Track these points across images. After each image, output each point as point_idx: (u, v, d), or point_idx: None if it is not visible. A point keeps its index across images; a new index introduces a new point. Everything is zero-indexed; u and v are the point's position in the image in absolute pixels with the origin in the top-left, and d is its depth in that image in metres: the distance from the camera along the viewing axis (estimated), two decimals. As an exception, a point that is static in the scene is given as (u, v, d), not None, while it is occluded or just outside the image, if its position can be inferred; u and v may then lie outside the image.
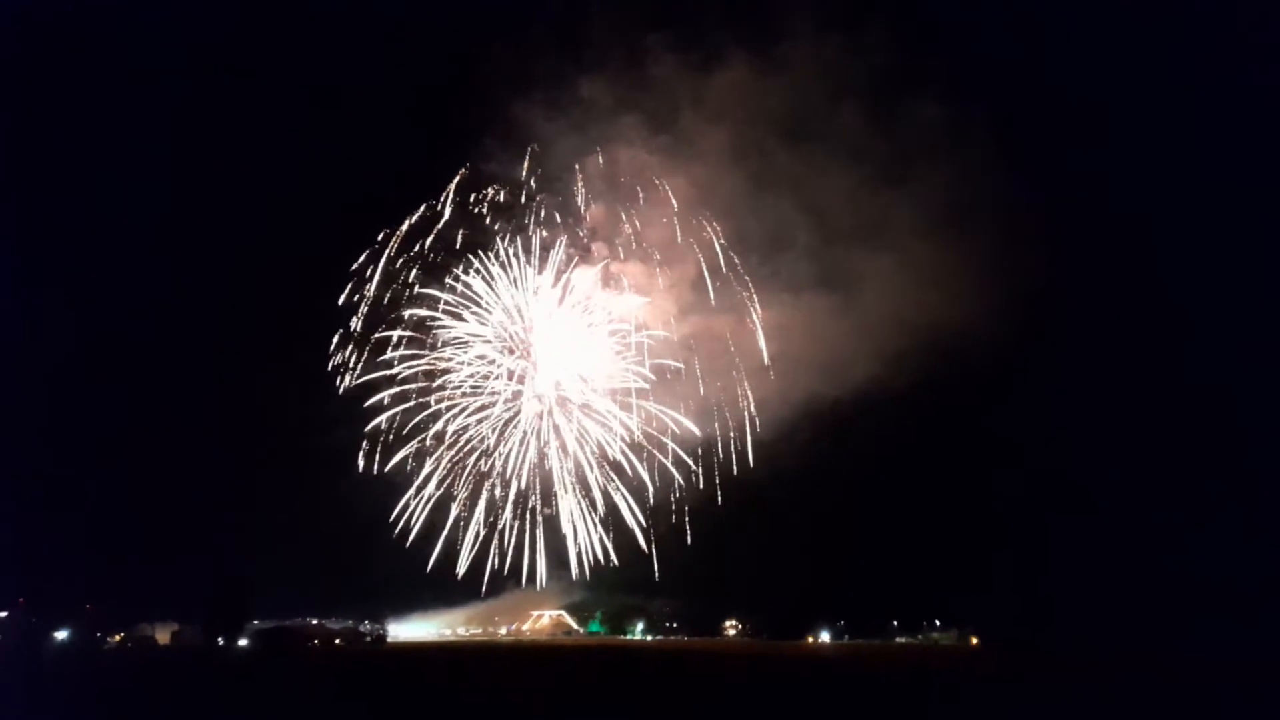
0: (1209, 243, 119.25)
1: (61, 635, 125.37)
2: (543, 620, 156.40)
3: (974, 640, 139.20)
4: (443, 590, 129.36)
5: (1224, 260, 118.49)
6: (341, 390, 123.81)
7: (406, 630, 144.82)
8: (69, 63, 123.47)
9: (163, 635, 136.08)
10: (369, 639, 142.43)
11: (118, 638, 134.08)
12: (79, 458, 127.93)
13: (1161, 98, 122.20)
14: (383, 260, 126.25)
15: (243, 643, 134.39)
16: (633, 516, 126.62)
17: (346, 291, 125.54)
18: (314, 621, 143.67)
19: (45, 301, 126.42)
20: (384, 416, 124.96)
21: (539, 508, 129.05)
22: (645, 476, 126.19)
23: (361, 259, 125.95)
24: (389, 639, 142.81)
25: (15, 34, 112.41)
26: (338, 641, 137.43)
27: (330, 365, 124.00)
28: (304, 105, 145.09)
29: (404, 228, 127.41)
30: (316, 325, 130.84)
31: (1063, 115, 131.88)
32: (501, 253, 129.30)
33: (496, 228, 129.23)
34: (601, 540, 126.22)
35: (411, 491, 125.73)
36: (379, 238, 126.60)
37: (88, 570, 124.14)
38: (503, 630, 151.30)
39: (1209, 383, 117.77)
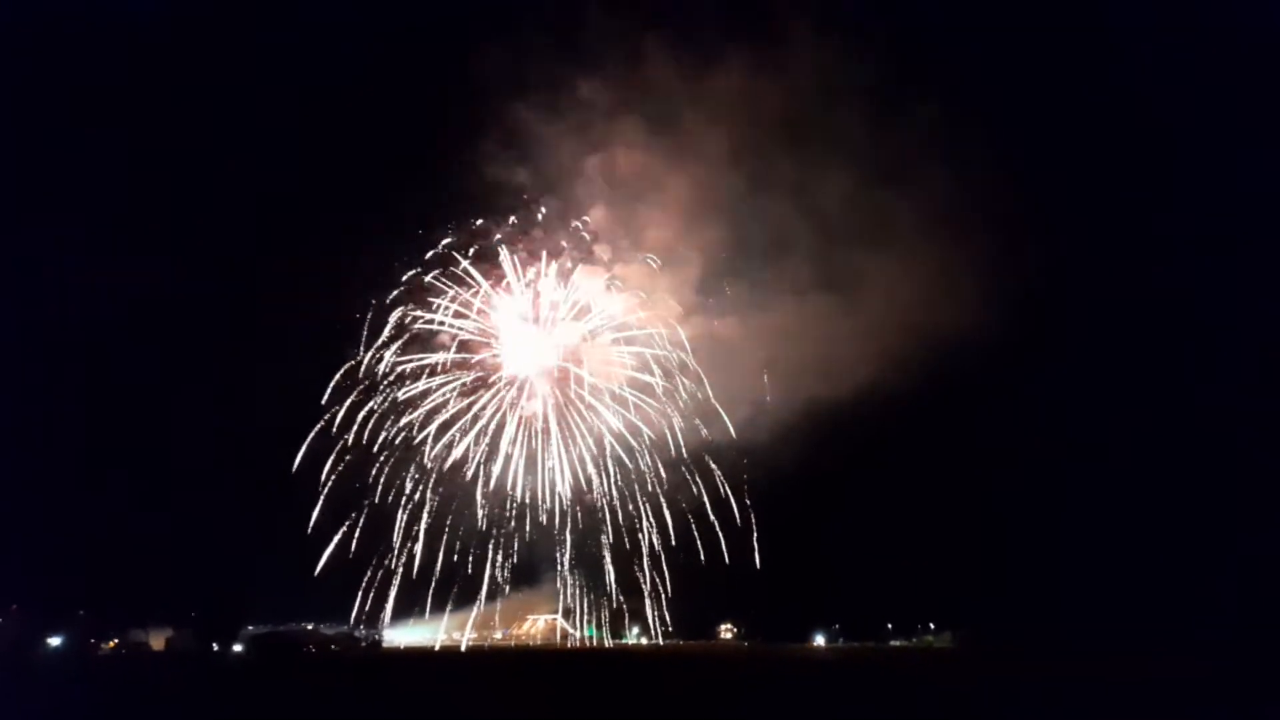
0: (1210, 244, 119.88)
1: (55, 641, 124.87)
2: (538, 624, 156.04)
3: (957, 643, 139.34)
4: (438, 595, 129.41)
5: (1225, 262, 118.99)
6: (342, 407, 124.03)
7: (402, 635, 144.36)
8: (71, 66, 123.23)
9: (157, 641, 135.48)
10: (364, 644, 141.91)
11: (111, 644, 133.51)
12: (73, 463, 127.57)
13: (1162, 101, 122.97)
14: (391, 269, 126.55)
15: (237, 648, 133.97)
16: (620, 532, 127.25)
17: (346, 300, 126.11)
18: (309, 627, 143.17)
19: (39, 310, 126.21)
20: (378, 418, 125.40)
21: (538, 513, 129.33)
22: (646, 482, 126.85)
23: (365, 275, 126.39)
24: (384, 644, 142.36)
25: (11, 35, 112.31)
26: (333, 647, 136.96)
27: (332, 383, 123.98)
28: (301, 111, 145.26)
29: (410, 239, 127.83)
30: (315, 331, 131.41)
31: (1062, 117, 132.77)
32: (504, 258, 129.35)
33: (498, 236, 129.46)
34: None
35: (408, 499, 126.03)
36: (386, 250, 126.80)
37: (81, 576, 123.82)
38: (498, 634, 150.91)
39: (1211, 387, 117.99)
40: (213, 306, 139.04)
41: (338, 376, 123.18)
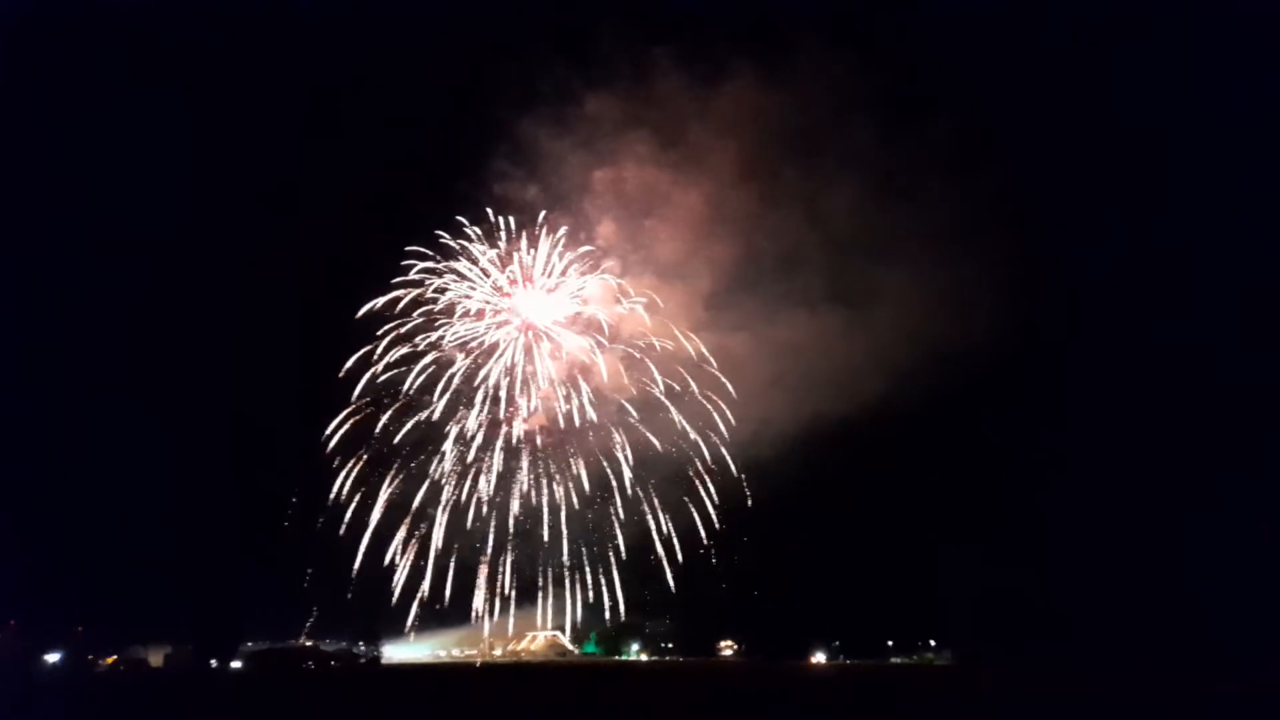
0: (1222, 256, 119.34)
1: (53, 658, 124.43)
2: (538, 641, 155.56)
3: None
4: (437, 611, 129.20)
5: (1239, 274, 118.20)
6: (344, 420, 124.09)
7: (401, 652, 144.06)
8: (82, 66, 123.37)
9: (155, 657, 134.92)
10: (363, 660, 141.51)
11: (110, 660, 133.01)
12: (71, 479, 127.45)
13: (1173, 110, 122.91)
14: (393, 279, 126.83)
15: (236, 665, 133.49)
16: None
17: (350, 313, 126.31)
18: (308, 643, 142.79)
19: (37, 324, 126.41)
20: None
21: (535, 530, 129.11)
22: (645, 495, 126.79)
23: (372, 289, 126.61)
24: (383, 660, 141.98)
25: (15, 34, 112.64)
26: (333, 663, 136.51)
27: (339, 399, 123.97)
28: (307, 128, 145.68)
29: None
30: (316, 341, 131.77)
31: (1073, 130, 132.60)
32: (513, 270, 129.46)
33: (506, 249, 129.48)
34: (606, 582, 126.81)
35: (409, 516, 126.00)
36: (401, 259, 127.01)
37: (79, 593, 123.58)
38: (497, 651, 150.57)
39: (1222, 403, 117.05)
40: (215, 316, 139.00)
41: (350, 417, 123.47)
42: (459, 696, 75.96)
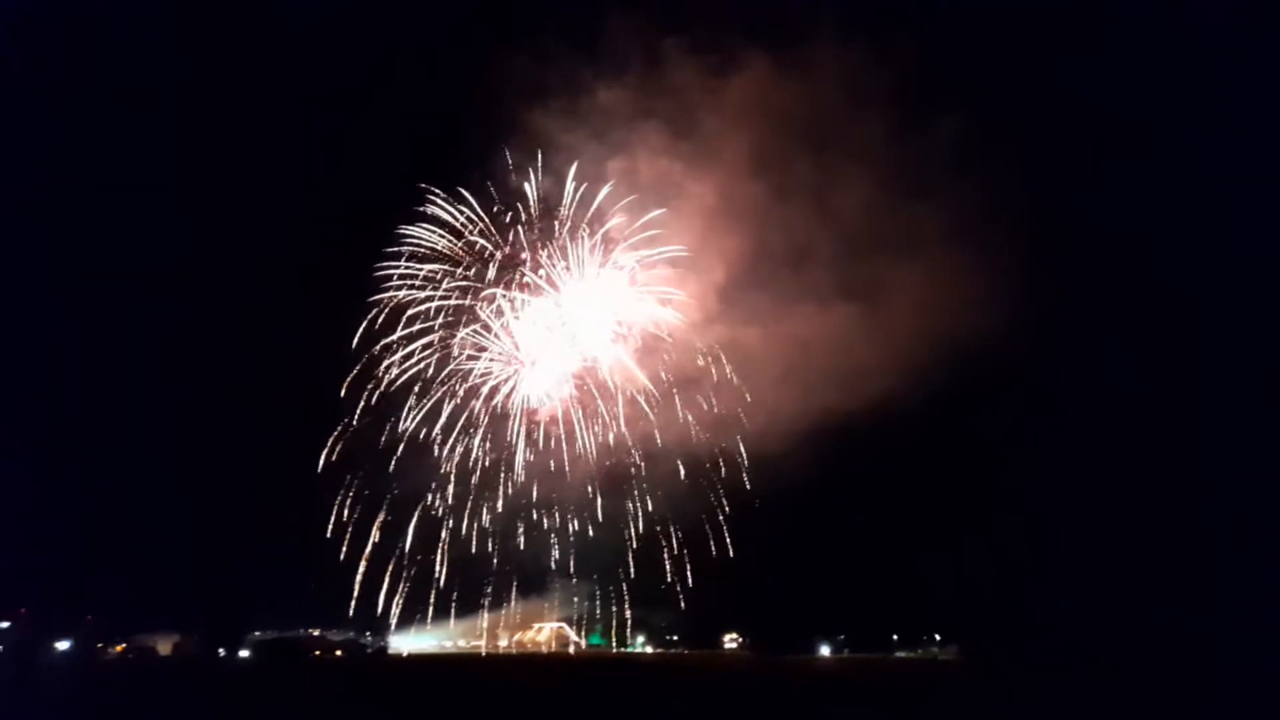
0: (1240, 260, 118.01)
1: (63, 646, 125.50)
2: (543, 632, 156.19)
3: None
4: (445, 602, 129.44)
5: (1254, 281, 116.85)
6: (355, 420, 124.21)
7: (407, 643, 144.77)
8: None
9: (164, 646, 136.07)
10: (370, 650, 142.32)
11: (119, 648, 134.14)
12: (80, 469, 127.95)
13: (1190, 112, 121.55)
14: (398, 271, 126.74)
15: (244, 654, 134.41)
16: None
17: (361, 305, 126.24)
18: (315, 633, 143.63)
19: (46, 311, 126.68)
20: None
21: (542, 518, 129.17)
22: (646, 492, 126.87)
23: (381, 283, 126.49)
24: (390, 651, 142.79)
25: (10, 42, 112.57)
26: (339, 653, 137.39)
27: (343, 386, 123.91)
28: (311, 122, 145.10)
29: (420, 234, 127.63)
30: (321, 333, 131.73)
31: (1088, 127, 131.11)
32: (523, 265, 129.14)
33: (514, 244, 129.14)
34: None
35: (419, 506, 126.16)
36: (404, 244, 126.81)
37: (89, 581, 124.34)
38: (503, 642, 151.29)
39: (1233, 404, 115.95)
40: (219, 310, 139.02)
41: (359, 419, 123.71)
42: (467, 686, 76.38)
